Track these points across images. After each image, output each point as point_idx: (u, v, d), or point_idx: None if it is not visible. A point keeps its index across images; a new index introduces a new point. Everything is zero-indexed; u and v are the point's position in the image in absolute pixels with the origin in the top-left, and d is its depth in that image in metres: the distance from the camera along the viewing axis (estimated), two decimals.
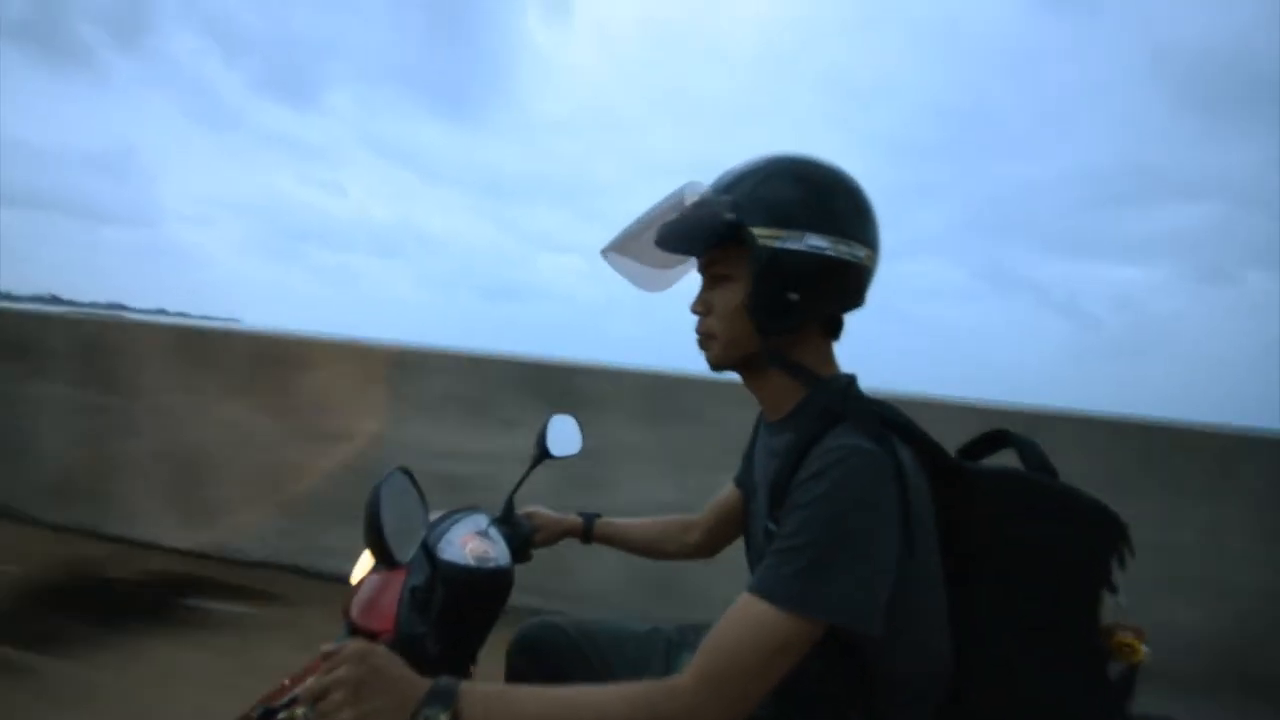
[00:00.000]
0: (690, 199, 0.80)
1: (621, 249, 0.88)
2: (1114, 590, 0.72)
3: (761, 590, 0.62)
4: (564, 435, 1.19)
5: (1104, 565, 0.71)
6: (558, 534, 1.15)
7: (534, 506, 1.16)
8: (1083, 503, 0.72)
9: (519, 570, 1.01)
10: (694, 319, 0.82)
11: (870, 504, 0.64)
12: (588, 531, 1.15)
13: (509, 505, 1.11)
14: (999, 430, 0.83)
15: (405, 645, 0.79)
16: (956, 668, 0.71)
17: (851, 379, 0.79)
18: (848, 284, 0.76)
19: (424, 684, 0.60)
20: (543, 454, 1.14)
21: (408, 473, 0.82)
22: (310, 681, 0.60)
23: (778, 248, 0.72)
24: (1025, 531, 0.71)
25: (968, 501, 0.74)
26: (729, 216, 0.73)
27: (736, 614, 0.63)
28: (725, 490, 1.07)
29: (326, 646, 0.62)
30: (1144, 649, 0.71)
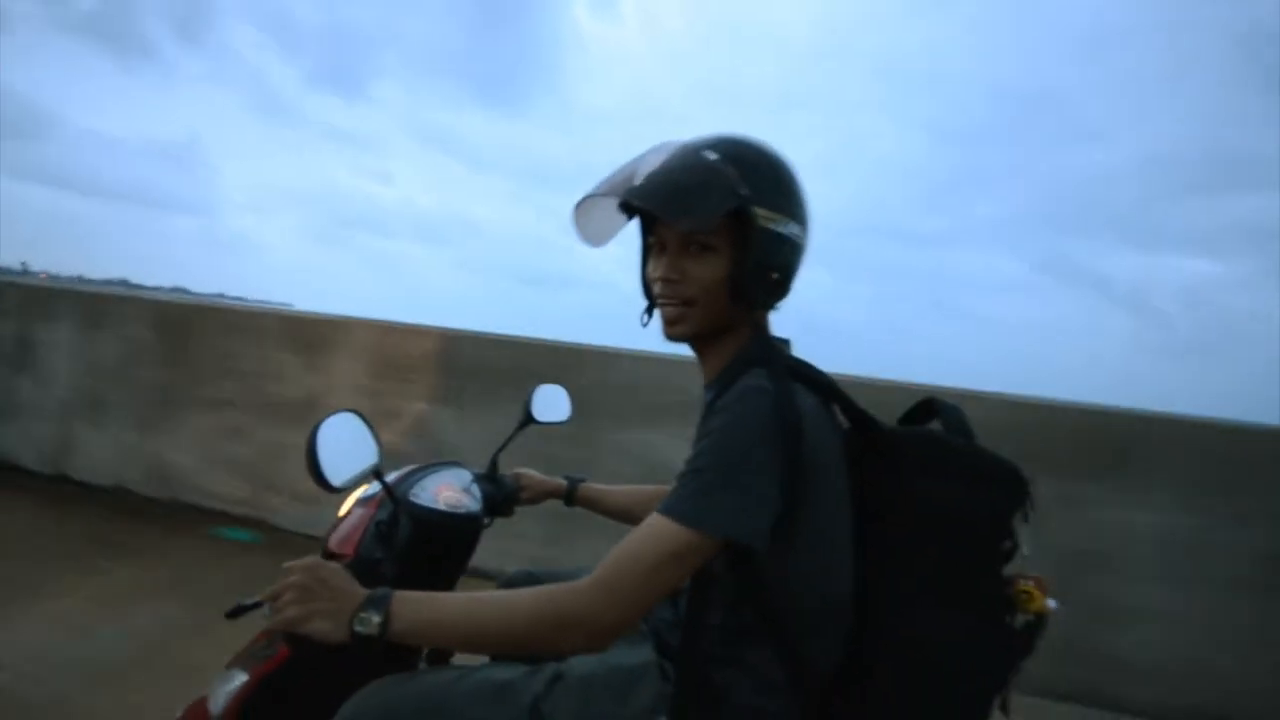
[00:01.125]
0: (651, 161, 0.82)
1: (587, 205, 0.89)
2: (1015, 544, 0.77)
3: (662, 509, 0.71)
4: (552, 403, 1.29)
5: (1006, 520, 0.77)
6: (542, 494, 1.24)
7: (523, 468, 1.26)
8: (990, 462, 0.78)
9: (517, 544, 1.11)
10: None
11: (759, 435, 0.71)
12: (570, 494, 1.24)
13: (493, 463, 1.21)
14: (928, 398, 0.89)
15: (362, 567, 0.91)
16: (863, 607, 0.78)
17: (786, 341, 0.87)
18: (798, 269, 0.84)
19: (363, 592, 0.71)
20: (527, 419, 1.24)
21: (359, 414, 0.93)
22: (270, 588, 0.72)
23: (774, 231, 0.79)
24: (935, 486, 0.77)
25: (885, 458, 0.80)
26: (744, 193, 0.77)
27: (641, 530, 0.71)
28: None
29: (289, 564, 0.73)
30: (1046, 599, 0.76)
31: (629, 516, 1.23)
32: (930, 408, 0.89)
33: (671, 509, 0.71)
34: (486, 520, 1.14)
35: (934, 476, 0.78)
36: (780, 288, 0.83)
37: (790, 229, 0.80)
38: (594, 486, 1.25)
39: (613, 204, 0.84)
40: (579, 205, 0.88)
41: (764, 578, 0.74)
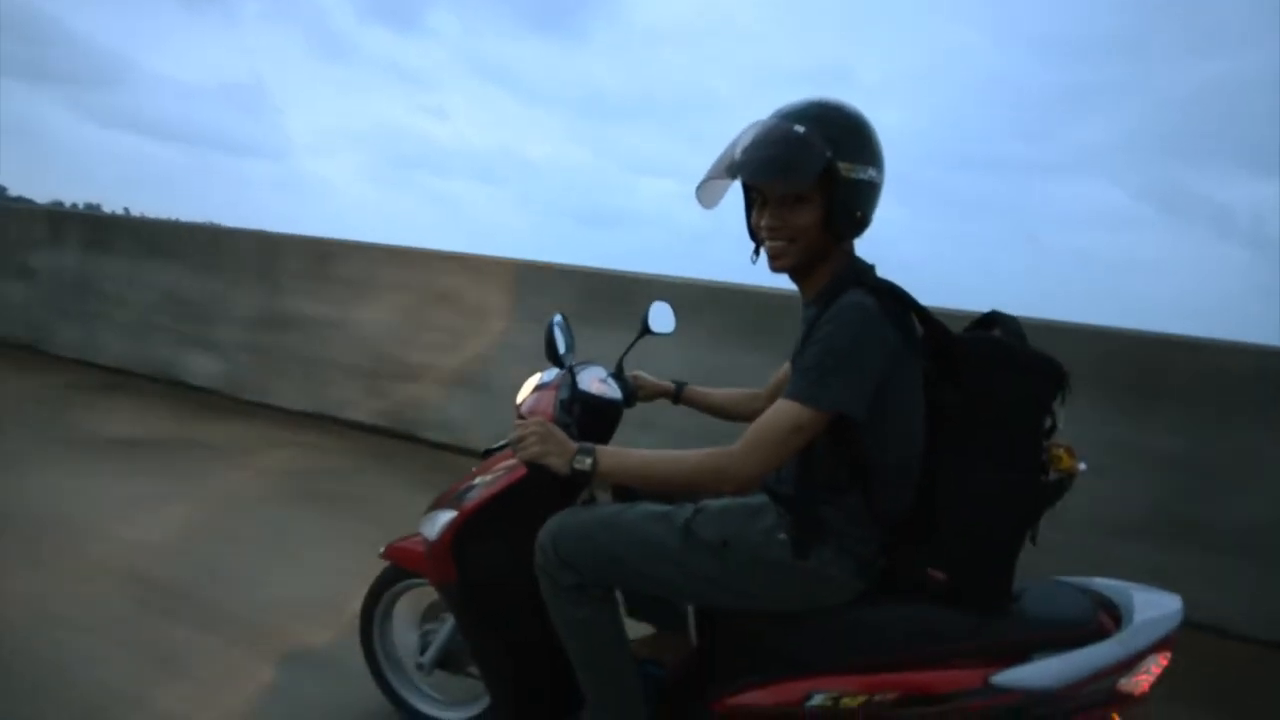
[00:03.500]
0: (746, 138, 1.04)
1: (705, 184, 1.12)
2: (1055, 421, 1.02)
3: (787, 394, 0.98)
4: (662, 317, 1.55)
5: (1048, 402, 1.01)
6: (654, 394, 1.51)
7: (639, 371, 1.53)
8: (1035, 357, 1.02)
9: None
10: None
11: (862, 335, 0.97)
12: (677, 394, 1.51)
13: (619, 365, 1.51)
14: (992, 311, 1.12)
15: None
16: (931, 468, 1.04)
17: (871, 266, 1.10)
18: (877, 203, 1.06)
19: (575, 444, 1.06)
20: (644, 330, 1.52)
21: (564, 317, 1.34)
22: (512, 434, 1.08)
23: (855, 179, 1.01)
24: (991, 376, 1.02)
25: (952, 355, 1.04)
26: (829, 154, 0.99)
27: (773, 410, 1.00)
28: (782, 367, 1.42)
29: (521, 420, 1.10)
30: (1075, 461, 1.01)
31: (726, 414, 1.50)
32: (992, 319, 1.12)
33: (795, 394, 0.97)
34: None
35: (990, 369, 1.02)
36: (863, 223, 1.06)
37: (868, 173, 1.03)
38: (697, 389, 1.52)
39: (723, 178, 1.09)
40: (699, 188, 1.12)
41: (856, 441, 1.00)
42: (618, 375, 1.48)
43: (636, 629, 1.43)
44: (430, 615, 1.52)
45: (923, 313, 1.06)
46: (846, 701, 1.01)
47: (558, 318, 1.37)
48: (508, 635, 1.29)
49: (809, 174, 0.99)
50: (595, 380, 1.38)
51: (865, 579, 1.06)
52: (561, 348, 1.33)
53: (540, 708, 1.31)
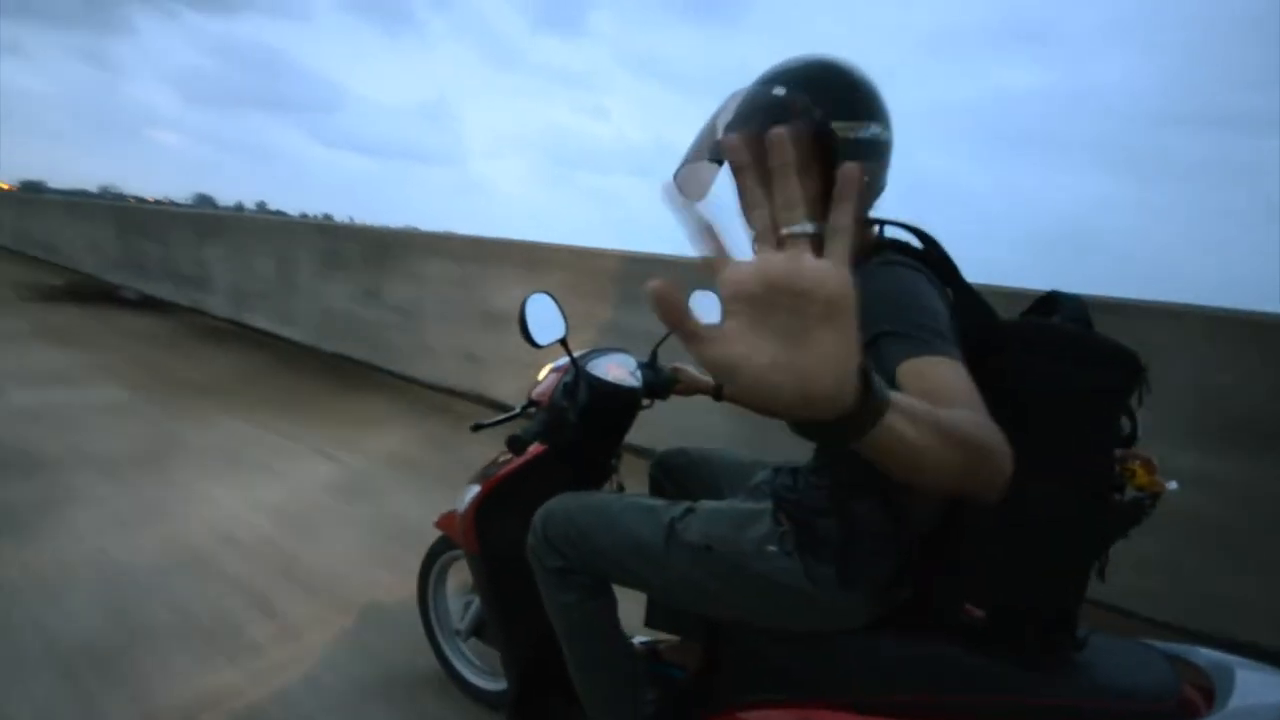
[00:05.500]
0: (727, 112, 0.88)
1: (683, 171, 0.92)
2: (1134, 424, 0.79)
3: (907, 354, 0.69)
4: (707, 306, 1.46)
5: (1118, 400, 0.78)
6: (694, 389, 1.42)
7: (682, 364, 1.45)
8: (1100, 344, 0.79)
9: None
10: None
11: (910, 288, 0.80)
12: (718, 390, 1.39)
13: (653, 355, 1.42)
14: (1052, 292, 0.90)
15: (553, 412, 1.24)
16: None
17: (919, 230, 0.91)
18: (889, 163, 0.89)
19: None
20: None
21: (551, 295, 1.25)
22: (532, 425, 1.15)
23: (854, 138, 0.84)
24: (1041, 365, 0.80)
25: (996, 340, 0.85)
26: (817, 115, 0.83)
27: (946, 370, 0.68)
28: None
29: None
30: (1157, 478, 0.78)
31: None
32: (1053, 300, 0.90)
33: (930, 350, 0.69)
34: (646, 402, 1.37)
35: (1040, 356, 0.81)
36: (874, 188, 0.88)
37: (870, 131, 0.84)
38: None
39: (705, 161, 0.89)
40: (676, 175, 0.92)
41: None
42: (650, 365, 1.41)
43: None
44: (473, 585, 1.57)
45: (963, 287, 0.88)
46: None
47: (536, 295, 1.25)
48: (519, 612, 1.29)
49: (798, 138, 0.83)
50: (613, 366, 1.32)
51: (878, 605, 0.90)
52: (535, 327, 1.22)
53: (544, 690, 1.30)
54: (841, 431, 0.48)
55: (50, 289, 8.30)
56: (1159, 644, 0.88)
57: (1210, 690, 0.79)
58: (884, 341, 0.72)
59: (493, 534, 1.30)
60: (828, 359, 0.44)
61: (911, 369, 0.68)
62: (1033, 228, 44.02)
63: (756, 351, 0.44)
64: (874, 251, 0.87)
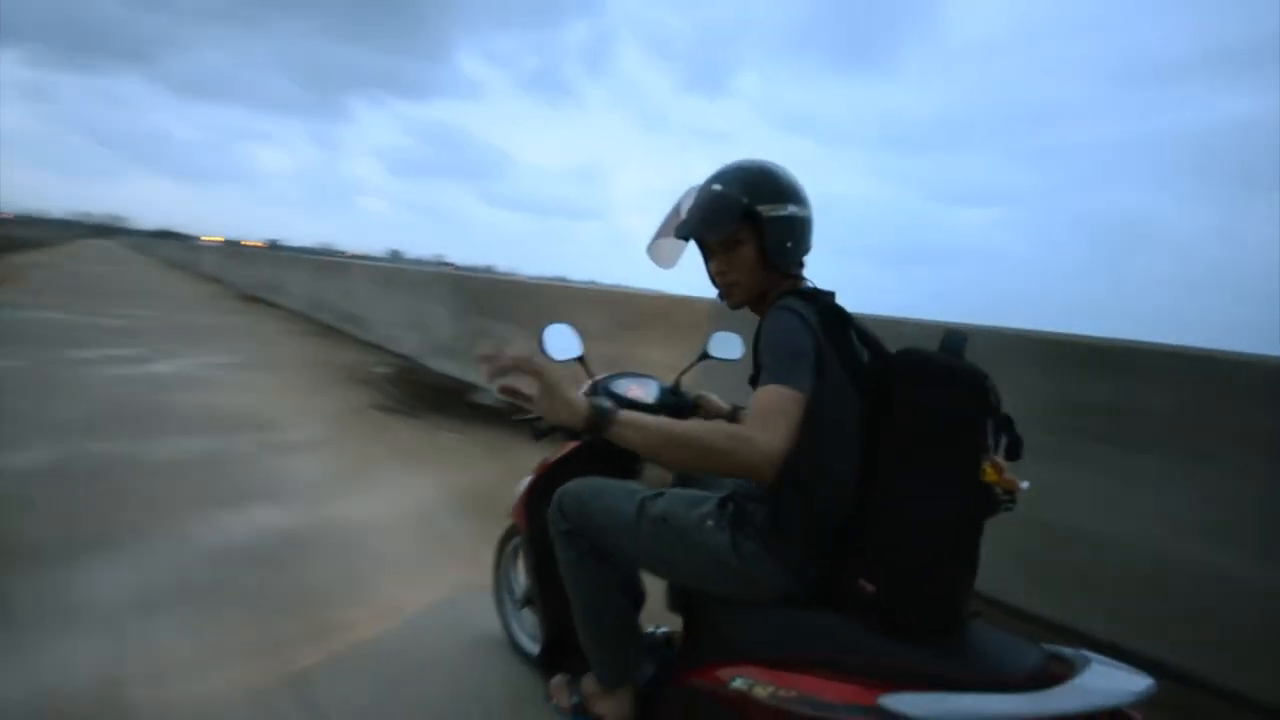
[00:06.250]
0: (687, 202, 1.23)
1: (654, 244, 1.33)
2: (986, 436, 0.96)
3: (765, 381, 1.01)
4: (726, 346, 1.71)
5: (977, 413, 0.96)
6: (714, 415, 1.63)
7: (705, 392, 1.69)
8: (958, 370, 0.98)
9: None
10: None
11: (788, 326, 1.06)
12: (732, 416, 1.60)
13: (676, 381, 1.70)
14: (949, 330, 1.09)
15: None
16: (872, 479, 1.04)
17: (830, 293, 1.18)
18: (809, 234, 1.17)
19: (589, 402, 1.05)
20: (703, 354, 1.70)
21: (572, 325, 1.60)
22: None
23: (776, 216, 1.15)
24: (920, 390, 1.00)
25: (888, 372, 1.06)
26: (745, 201, 1.15)
27: (761, 393, 1.00)
28: None
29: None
30: (1006, 476, 0.94)
31: None
32: (952, 338, 1.08)
33: (772, 380, 0.99)
34: None
35: (917, 383, 1.01)
36: (796, 251, 1.17)
37: (788, 210, 1.14)
38: None
39: (671, 238, 1.27)
40: (649, 248, 1.33)
41: (797, 446, 0.99)
42: (674, 390, 1.66)
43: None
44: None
45: (860, 329, 1.10)
46: (758, 690, 1.07)
47: (556, 325, 1.59)
48: (554, 584, 1.58)
49: (731, 219, 1.15)
50: (634, 386, 1.60)
51: (794, 581, 1.11)
52: (553, 349, 1.54)
53: (567, 650, 1.55)
54: (590, 432, 1.04)
55: (384, 384, 5.78)
56: (1043, 643, 1.00)
57: (1069, 675, 0.91)
58: (762, 368, 1.04)
59: (538, 514, 1.62)
60: (556, 403, 1.05)
61: (759, 390, 1.01)
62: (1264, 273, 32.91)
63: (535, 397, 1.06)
64: (778, 298, 1.14)
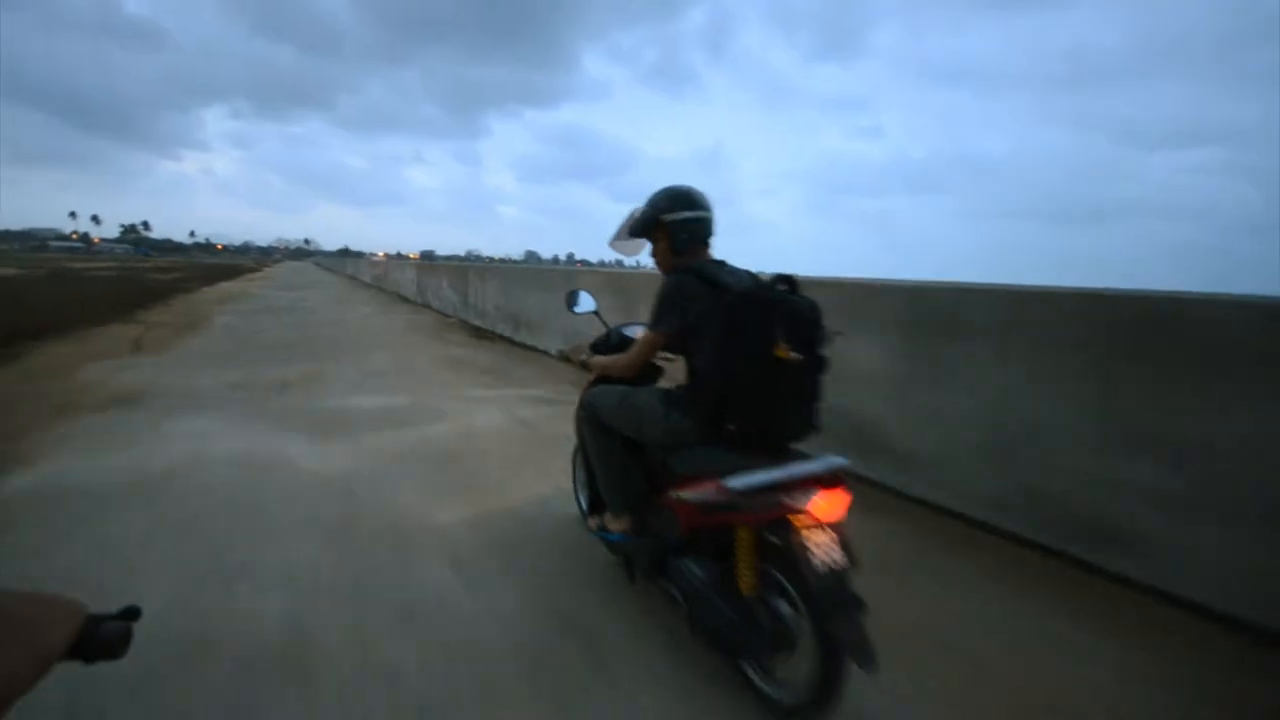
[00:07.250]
0: (636, 213, 2.04)
1: (616, 241, 2.14)
2: (773, 332, 1.66)
3: (647, 326, 1.94)
4: (583, 300, 2.54)
5: (773, 319, 1.67)
6: None
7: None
8: (748, 294, 1.70)
9: None
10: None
11: (670, 290, 1.86)
12: None
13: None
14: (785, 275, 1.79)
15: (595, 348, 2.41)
16: (726, 365, 1.76)
17: (720, 263, 1.96)
18: (703, 227, 1.95)
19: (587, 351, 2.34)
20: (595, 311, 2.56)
21: (588, 292, 2.48)
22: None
23: (675, 219, 1.95)
24: (744, 313, 1.71)
25: (735, 303, 1.78)
26: (652, 212, 1.98)
27: (641, 335, 2.01)
28: None
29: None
30: (793, 354, 1.65)
31: None
32: (783, 277, 1.78)
33: (648, 325, 1.92)
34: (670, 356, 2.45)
35: (746, 308, 1.71)
36: (691, 242, 1.96)
37: (683, 215, 1.93)
38: None
39: (629, 237, 2.09)
40: (612, 243, 2.14)
41: (687, 356, 1.88)
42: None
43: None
44: None
45: (719, 282, 1.82)
46: (684, 495, 1.85)
47: (576, 290, 2.49)
48: (587, 461, 2.44)
49: (649, 225, 1.99)
50: (636, 330, 2.42)
51: (699, 431, 1.85)
52: (575, 304, 2.45)
53: (600, 504, 2.41)
54: (587, 369, 2.35)
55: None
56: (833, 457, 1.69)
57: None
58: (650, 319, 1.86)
59: (582, 412, 2.51)
60: (573, 356, 2.42)
61: (645, 333, 1.88)
62: None
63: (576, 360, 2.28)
64: (674, 270, 1.93)
